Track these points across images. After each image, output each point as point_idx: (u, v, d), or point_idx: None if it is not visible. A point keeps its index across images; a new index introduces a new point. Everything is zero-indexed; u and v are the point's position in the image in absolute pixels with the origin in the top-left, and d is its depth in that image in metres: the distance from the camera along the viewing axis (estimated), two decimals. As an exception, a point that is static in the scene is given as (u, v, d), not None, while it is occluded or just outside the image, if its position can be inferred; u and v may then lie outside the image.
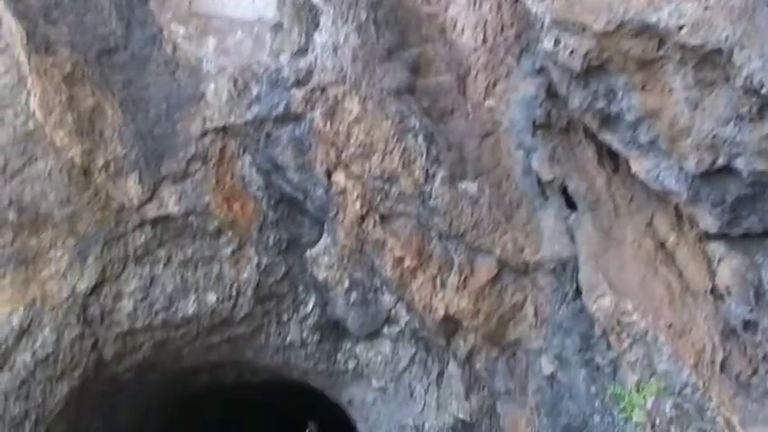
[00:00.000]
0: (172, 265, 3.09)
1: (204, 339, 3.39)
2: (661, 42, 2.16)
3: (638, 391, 2.47)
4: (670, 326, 2.44)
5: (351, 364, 3.54)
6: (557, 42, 2.39)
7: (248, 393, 6.44)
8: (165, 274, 3.09)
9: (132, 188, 3.00)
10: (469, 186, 2.84)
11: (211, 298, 3.17)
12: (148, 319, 3.14)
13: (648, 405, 2.44)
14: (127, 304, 3.10)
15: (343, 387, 3.87)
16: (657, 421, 2.44)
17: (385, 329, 3.26)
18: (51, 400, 3.02)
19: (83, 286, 3.02)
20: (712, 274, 2.32)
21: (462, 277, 2.90)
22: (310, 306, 3.35)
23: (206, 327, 3.28)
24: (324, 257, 3.13)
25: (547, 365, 2.80)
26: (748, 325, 2.24)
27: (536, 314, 2.84)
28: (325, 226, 3.12)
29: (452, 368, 3.11)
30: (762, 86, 1.93)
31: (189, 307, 3.17)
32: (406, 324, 3.17)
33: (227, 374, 4.66)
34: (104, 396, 3.80)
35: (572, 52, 2.34)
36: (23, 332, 2.92)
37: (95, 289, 3.06)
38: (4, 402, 2.85)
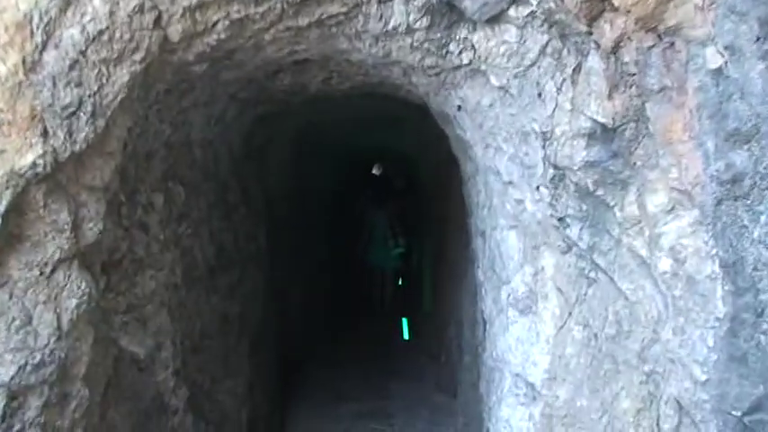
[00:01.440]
0: None
1: (290, 21, 3.32)
2: None
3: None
4: None
5: (465, 57, 3.48)
6: None
7: (333, 107, 6.58)
8: None
9: None
10: None
11: (297, -40, 3.01)
12: (222, -12, 3.02)
13: None
14: (194, -30, 2.95)
15: (453, 88, 3.84)
16: None
17: (511, 11, 3.12)
18: (109, 88, 3.00)
19: (136, -63, 2.83)
20: None
21: (614, -58, 2.68)
22: (419, -20, 3.17)
23: (292, 2, 3.15)
24: None
25: (713, 57, 2.64)
26: None
27: (703, -6, 2.62)
28: None
29: (593, 61, 2.98)
30: None
31: (270, -24, 3.02)
32: (538, 4, 3.01)
33: (313, 78, 4.69)
34: (172, 94, 3.89)
35: None
36: (69, 1, 2.79)
37: (153, -53, 2.89)
38: (53, 88, 2.80)
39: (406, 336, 12.42)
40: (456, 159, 5.72)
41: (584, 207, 3.24)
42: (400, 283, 15.81)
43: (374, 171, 18.69)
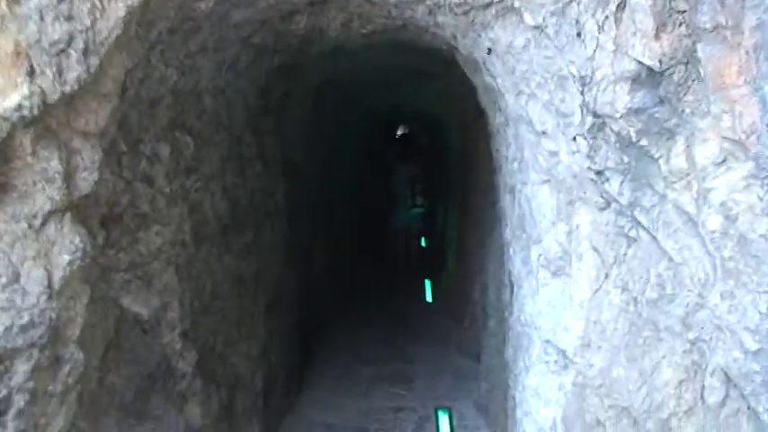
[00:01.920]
0: None
1: (301, -50, 3.08)
2: None
3: None
4: None
5: (497, -6, 3.24)
6: None
7: (353, 62, 6.41)
8: None
9: None
10: None
11: None
12: None
13: None
14: None
15: (483, 29, 3.62)
16: None
17: (548, -60, 2.87)
18: (103, 23, 2.76)
19: None
20: None
21: None
22: None
23: (302, -72, 2.92)
24: None
25: (776, -11, 2.40)
26: None
27: None
28: None
29: (639, -5, 2.73)
30: None
31: None
32: (577, -69, 2.76)
33: (332, 20, 4.47)
34: (177, 34, 3.68)
35: None
36: None
37: None
38: (40, 22, 2.56)
39: (429, 298, 12.29)
40: (484, 113, 5.50)
41: (626, 159, 3.01)
42: (424, 244, 15.75)
43: (398, 131, 18.65)
